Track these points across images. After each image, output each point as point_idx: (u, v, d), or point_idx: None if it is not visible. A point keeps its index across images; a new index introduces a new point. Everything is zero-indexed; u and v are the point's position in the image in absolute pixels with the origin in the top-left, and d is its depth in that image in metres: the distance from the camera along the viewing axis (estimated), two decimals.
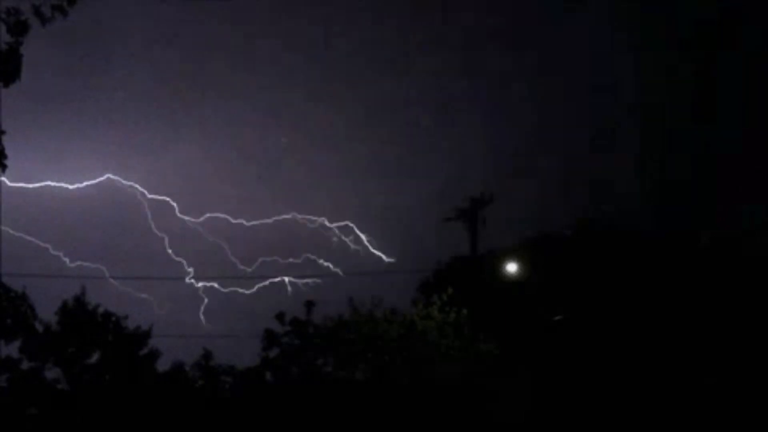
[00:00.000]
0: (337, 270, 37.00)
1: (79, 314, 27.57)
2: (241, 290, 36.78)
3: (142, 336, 28.34)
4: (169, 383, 28.28)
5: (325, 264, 37.22)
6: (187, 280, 36.65)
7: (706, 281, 29.53)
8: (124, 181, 37.83)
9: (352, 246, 37.80)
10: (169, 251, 37.44)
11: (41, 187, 37.01)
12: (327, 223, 38.39)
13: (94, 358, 27.70)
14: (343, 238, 38.05)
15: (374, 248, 37.75)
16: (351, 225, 38.29)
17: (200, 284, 36.60)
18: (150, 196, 37.98)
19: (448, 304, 27.24)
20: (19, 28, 8.73)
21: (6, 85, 8.89)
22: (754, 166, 36.88)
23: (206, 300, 36.82)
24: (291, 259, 38.11)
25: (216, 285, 36.66)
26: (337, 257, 37.78)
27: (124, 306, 29.03)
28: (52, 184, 37.20)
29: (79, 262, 36.83)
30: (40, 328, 27.08)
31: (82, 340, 27.33)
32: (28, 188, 36.50)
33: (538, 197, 45.98)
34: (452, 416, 25.46)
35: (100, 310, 27.97)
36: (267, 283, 36.21)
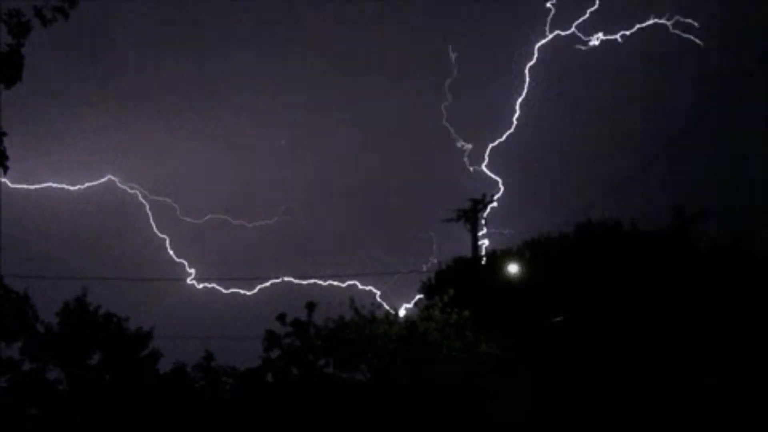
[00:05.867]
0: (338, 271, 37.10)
1: (80, 315, 27.60)
2: (242, 291, 36.85)
3: (143, 337, 28.39)
4: (171, 384, 28.32)
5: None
6: (188, 281, 36.71)
7: (706, 281, 29.48)
8: (126, 183, 37.88)
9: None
10: (171, 252, 37.49)
11: (43, 188, 37.08)
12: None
13: (96, 359, 27.75)
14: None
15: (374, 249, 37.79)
16: None
17: (201, 285, 36.66)
18: (151, 197, 38.04)
19: (450, 305, 27.21)
20: (21, 30, 8.73)
21: (7, 86, 8.86)
22: None
23: (207, 301, 36.88)
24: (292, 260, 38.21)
25: (217, 286, 36.72)
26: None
27: (126, 307, 29.06)
28: (54, 185, 37.28)
29: (80, 263, 36.89)
30: (41, 329, 27.13)
31: (83, 341, 27.37)
32: (29, 189, 36.58)
33: (538, 197, 46.02)
34: (452, 416, 25.46)
35: (102, 311, 28.02)
36: (268, 284, 36.27)
